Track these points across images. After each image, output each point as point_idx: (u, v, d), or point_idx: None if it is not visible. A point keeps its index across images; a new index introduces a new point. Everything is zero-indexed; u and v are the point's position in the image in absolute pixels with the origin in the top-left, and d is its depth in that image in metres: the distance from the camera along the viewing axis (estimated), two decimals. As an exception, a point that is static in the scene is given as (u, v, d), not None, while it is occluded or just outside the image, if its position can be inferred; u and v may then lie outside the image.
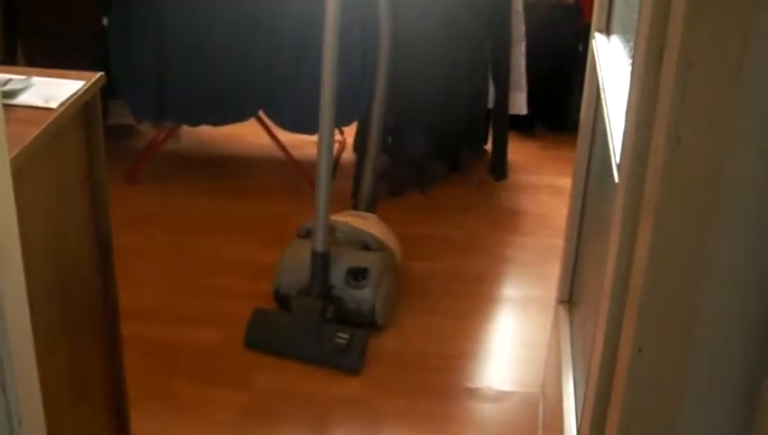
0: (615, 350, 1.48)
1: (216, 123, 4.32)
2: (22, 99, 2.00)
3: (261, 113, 4.22)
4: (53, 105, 1.98)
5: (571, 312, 2.61)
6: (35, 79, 2.10)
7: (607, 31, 2.38)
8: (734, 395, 1.37)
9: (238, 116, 4.23)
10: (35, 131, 1.88)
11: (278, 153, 4.37)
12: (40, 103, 1.99)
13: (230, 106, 4.16)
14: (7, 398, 1.61)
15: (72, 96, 2.04)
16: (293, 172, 4.31)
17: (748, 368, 1.34)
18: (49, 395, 1.82)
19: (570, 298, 2.65)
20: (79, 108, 2.09)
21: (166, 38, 4.03)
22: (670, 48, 1.23)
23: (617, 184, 1.55)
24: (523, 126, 4.77)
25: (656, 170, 1.26)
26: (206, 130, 4.60)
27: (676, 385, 1.35)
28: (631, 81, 1.48)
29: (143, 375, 2.94)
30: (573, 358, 2.39)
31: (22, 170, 1.76)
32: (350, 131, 4.39)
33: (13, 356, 1.59)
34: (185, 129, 4.63)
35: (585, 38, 2.62)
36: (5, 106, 1.58)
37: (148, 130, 4.69)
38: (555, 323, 2.72)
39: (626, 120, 1.49)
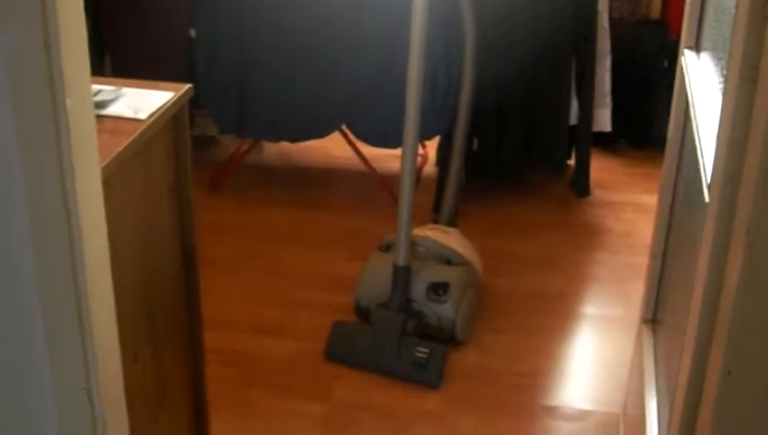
0: (702, 373, 1.45)
1: (296, 139, 4.34)
2: (112, 109, 2.03)
3: (344, 127, 4.23)
4: (143, 116, 2.01)
5: (654, 332, 2.58)
6: (125, 90, 2.13)
7: (696, 47, 2.34)
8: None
9: (320, 132, 4.25)
10: (125, 141, 1.90)
11: (360, 166, 4.38)
12: (130, 114, 2.01)
13: (312, 122, 4.18)
14: (93, 406, 1.62)
15: (161, 107, 2.06)
16: (375, 185, 4.32)
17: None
18: (132, 404, 1.84)
19: (654, 318, 2.61)
20: (167, 119, 2.11)
21: (250, 51, 4.07)
22: (766, 66, 1.21)
23: (707, 203, 1.52)
24: (605, 142, 4.73)
25: (749, 191, 1.23)
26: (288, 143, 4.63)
27: (766, 410, 1.32)
28: (723, 99, 1.46)
29: (223, 385, 2.96)
30: (657, 379, 2.35)
31: (111, 180, 1.78)
32: (432, 145, 4.39)
33: (99, 364, 1.61)
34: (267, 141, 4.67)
35: (670, 54, 2.59)
36: (96, 117, 1.60)
37: (230, 141, 4.73)
38: (638, 343, 2.68)
39: (718, 139, 1.47)
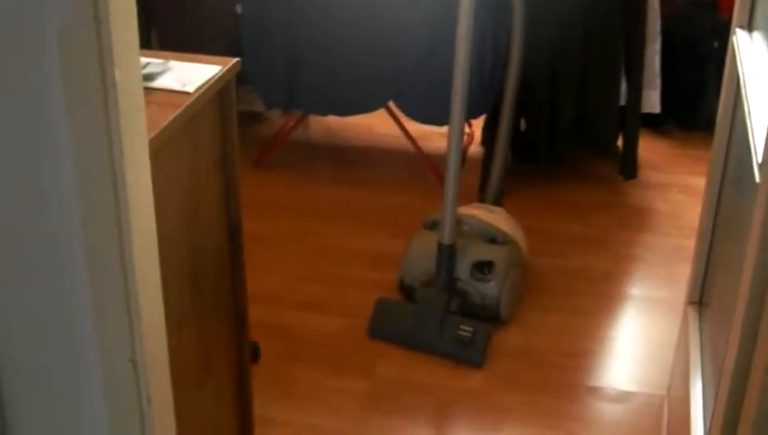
0: (750, 355, 1.43)
1: (344, 113, 4.34)
2: (159, 82, 2.03)
3: (390, 104, 4.22)
4: (190, 89, 2.01)
5: (701, 314, 2.56)
6: (172, 63, 2.13)
7: (749, 27, 2.31)
8: None
9: (367, 106, 4.24)
10: (172, 114, 1.91)
11: (406, 144, 4.37)
12: (177, 87, 2.01)
13: (360, 96, 4.17)
14: (137, 374, 1.63)
15: (208, 81, 2.06)
16: (420, 163, 4.31)
17: None
18: (176, 375, 1.85)
19: (700, 300, 2.59)
20: (214, 93, 2.11)
21: (298, 26, 4.06)
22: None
23: (758, 184, 1.50)
24: (654, 124, 4.68)
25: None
26: (335, 120, 4.62)
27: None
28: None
29: (266, 360, 2.98)
30: (702, 361, 2.33)
31: (158, 153, 1.78)
32: (478, 125, 4.37)
33: (144, 336, 1.62)
34: (313, 117, 4.67)
35: (721, 35, 2.56)
36: (144, 89, 1.60)
37: (276, 118, 4.74)
38: (684, 325, 2.66)
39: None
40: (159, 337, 1.72)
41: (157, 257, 1.68)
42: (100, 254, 1.56)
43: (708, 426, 2.01)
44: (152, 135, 1.76)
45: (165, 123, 1.87)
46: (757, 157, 1.61)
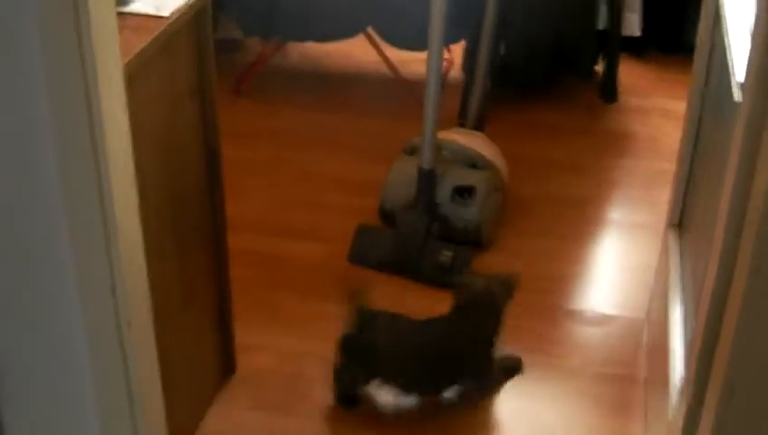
0: (730, 274, 1.44)
1: (323, 39, 4.30)
2: (134, 6, 2.01)
3: (369, 30, 4.19)
4: (165, 13, 1.98)
5: (681, 236, 2.56)
6: (147, -13, 2.10)
7: (729, -53, 2.29)
8: None
9: (346, 32, 4.20)
10: (147, 39, 1.89)
11: (385, 70, 4.34)
12: (152, 11, 1.99)
13: (339, 22, 4.14)
14: (116, 300, 1.63)
15: (184, 4, 2.04)
16: (400, 90, 4.28)
17: None
18: (157, 301, 1.85)
19: (680, 223, 2.60)
20: (191, 17, 2.09)
21: (275, -49, 4.01)
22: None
23: (738, 103, 1.50)
24: (634, 48, 4.66)
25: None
26: (314, 46, 4.58)
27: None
28: (758, -4, 1.43)
29: (248, 287, 2.97)
30: (682, 283, 2.35)
31: (133, 79, 1.76)
32: (459, 50, 4.34)
33: (122, 260, 1.61)
34: (292, 44, 4.63)
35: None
36: (117, 13, 1.58)
37: (255, 45, 4.69)
38: (664, 248, 2.67)
39: (753, 36, 1.44)
40: (138, 263, 1.72)
41: (134, 184, 1.67)
42: (76, 182, 1.55)
43: (687, 348, 2.03)
44: (126, 60, 1.74)
45: (139, 48, 1.85)
46: (737, 76, 1.60)
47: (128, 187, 1.64)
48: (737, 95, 1.54)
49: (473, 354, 2.62)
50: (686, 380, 1.80)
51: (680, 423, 1.74)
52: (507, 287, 2.64)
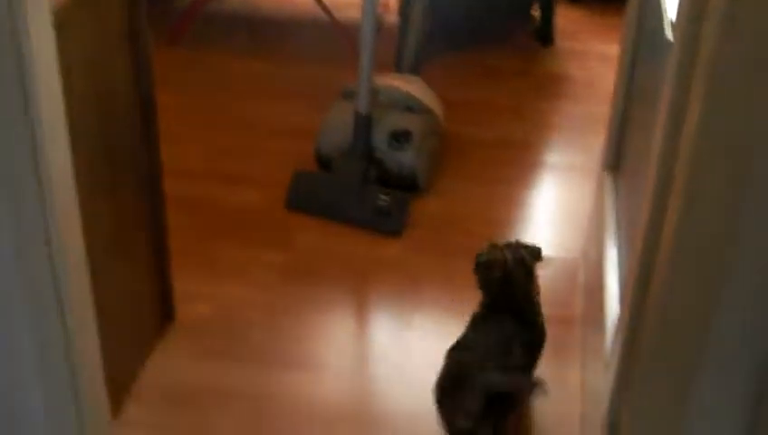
0: (663, 212, 1.45)
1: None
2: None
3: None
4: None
5: (615, 178, 2.58)
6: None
7: None
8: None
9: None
10: (77, -18, 1.85)
11: (321, 15, 4.30)
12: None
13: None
14: (49, 241, 1.62)
15: (113, -53, 2.01)
16: (336, 35, 4.26)
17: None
18: (92, 248, 1.84)
19: (615, 164, 2.62)
20: (121, -40, 2.06)
21: None
22: None
23: (670, 43, 1.51)
24: (570, -8, 4.67)
25: (714, 25, 1.21)
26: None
27: (723, 246, 1.33)
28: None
29: (186, 235, 2.95)
30: (617, 224, 2.37)
31: (62, 25, 1.73)
32: (395, -6, 4.32)
33: (56, 209, 1.60)
34: (227, -10, 4.58)
35: None
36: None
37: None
38: (599, 189, 2.70)
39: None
40: (71, 209, 1.71)
41: (65, 129, 1.66)
42: (7, 126, 1.53)
43: (622, 287, 2.05)
44: (55, 8, 1.71)
45: (69, -8, 1.82)
46: (669, 16, 1.61)
47: (59, 136, 1.63)
48: (669, 34, 1.54)
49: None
50: (621, 317, 1.82)
51: (616, 360, 1.77)
52: (532, 251, 2.50)
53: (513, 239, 2.60)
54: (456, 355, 2.30)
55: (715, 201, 1.30)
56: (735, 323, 1.40)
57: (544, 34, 4.30)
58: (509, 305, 2.42)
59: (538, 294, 2.48)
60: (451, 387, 2.24)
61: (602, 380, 1.99)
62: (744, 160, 1.25)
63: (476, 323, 2.43)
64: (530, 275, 2.47)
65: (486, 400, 2.16)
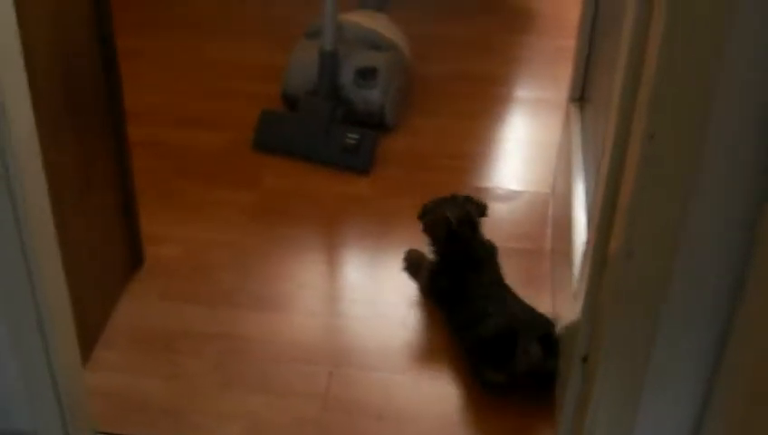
0: (627, 138, 1.45)
1: None
2: None
3: None
4: None
5: (582, 110, 2.58)
6: None
7: None
8: (749, 186, 1.35)
9: None
10: None
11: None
12: None
13: None
14: (11, 187, 1.61)
15: None
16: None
17: (762, 158, 1.32)
18: (55, 190, 1.82)
19: (582, 96, 2.61)
20: None
21: None
22: None
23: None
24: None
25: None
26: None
27: (686, 173, 1.33)
28: None
29: (152, 176, 2.93)
30: (584, 155, 2.37)
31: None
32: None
33: (15, 148, 1.58)
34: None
35: None
36: None
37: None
38: (566, 122, 2.69)
39: None
40: (31, 149, 1.69)
41: (23, 69, 1.64)
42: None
43: (589, 218, 2.06)
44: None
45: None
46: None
47: (17, 72, 1.61)
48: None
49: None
50: (588, 247, 1.83)
51: (583, 288, 1.77)
52: (478, 206, 2.62)
53: (459, 194, 2.68)
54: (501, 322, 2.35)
55: (680, 123, 1.29)
56: (701, 249, 1.40)
57: (510, -32, 4.27)
58: (458, 257, 2.54)
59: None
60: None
61: (571, 310, 2.00)
62: (706, 90, 1.25)
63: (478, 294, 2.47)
64: (475, 231, 2.57)
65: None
